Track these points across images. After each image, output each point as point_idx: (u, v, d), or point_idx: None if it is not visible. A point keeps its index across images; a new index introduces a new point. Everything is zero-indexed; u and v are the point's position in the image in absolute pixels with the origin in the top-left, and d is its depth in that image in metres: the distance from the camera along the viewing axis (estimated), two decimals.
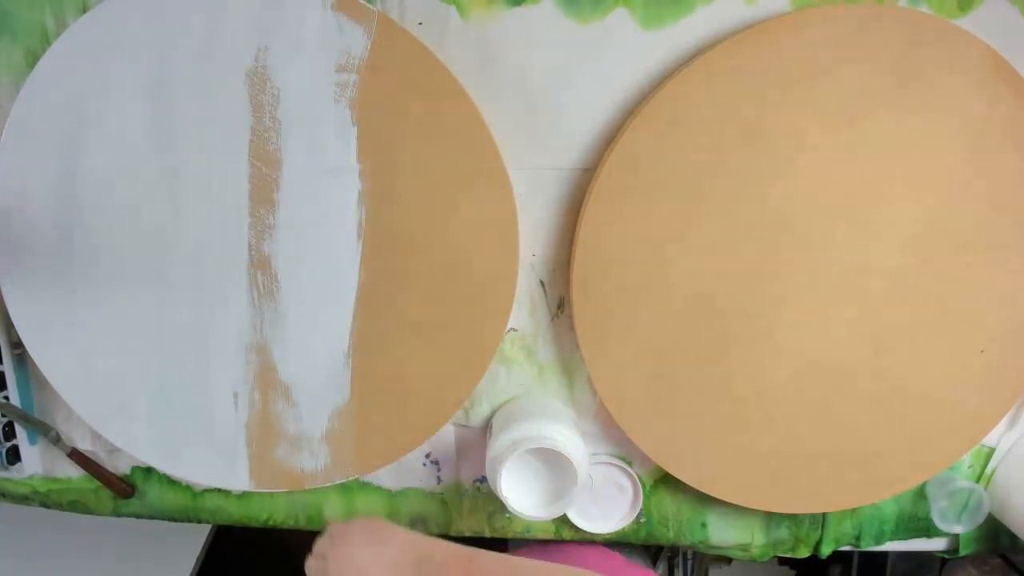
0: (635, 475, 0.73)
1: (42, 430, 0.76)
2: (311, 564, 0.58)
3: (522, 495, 0.66)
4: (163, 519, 0.81)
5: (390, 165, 0.63)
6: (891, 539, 0.77)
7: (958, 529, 0.72)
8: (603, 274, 0.64)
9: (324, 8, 0.59)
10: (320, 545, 0.58)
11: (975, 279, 0.63)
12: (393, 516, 0.78)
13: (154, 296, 0.67)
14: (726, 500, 0.71)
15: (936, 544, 0.78)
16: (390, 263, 0.65)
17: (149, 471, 0.78)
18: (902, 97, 0.59)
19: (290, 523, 0.79)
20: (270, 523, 0.79)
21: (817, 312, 0.64)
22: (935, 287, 0.63)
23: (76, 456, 0.77)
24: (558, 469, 0.65)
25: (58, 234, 0.65)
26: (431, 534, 0.78)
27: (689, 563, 1.09)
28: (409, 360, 0.68)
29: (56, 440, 0.76)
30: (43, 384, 0.72)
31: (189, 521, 0.81)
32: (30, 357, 0.70)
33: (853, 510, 0.75)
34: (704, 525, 0.77)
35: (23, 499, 0.81)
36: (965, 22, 0.59)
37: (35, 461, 0.78)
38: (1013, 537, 0.74)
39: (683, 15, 0.60)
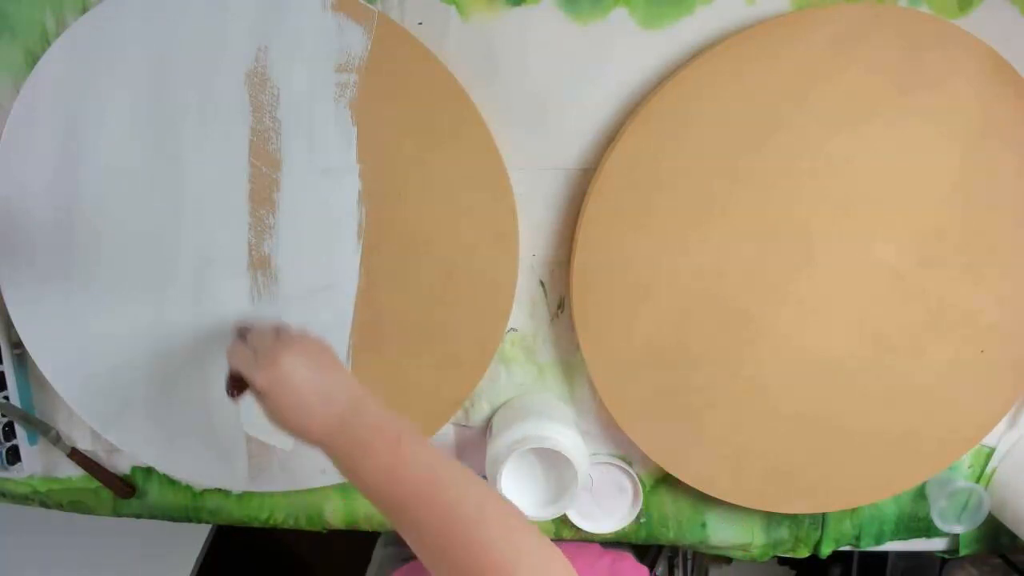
0: (635, 475, 0.73)
1: (42, 430, 0.75)
2: (236, 349, 0.54)
3: (522, 495, 0.66)
4: (163, 519, 0.81)
5: (390, 165, 0.63)
6: (891, 539, 0.77)
7: (958, 529, 0.72)
8: (603, 274, 0.64)
9: (324, 8, 0.59)
10: (258, 338, 0.55)
11: (975, 279, 0.63)
12: None
13: (154, 296, 0.67)
14: (726, 500, 0.71)
15: (936, 544, 0.78)
16: (390, 263, 0.65)
17: (149, 471, 0.78)
18: (902, 97, 0.59)
19: (290, 523, 0.79)
20: (270, 523, 0.79)
21: (817, 312, 0.64)
22: (935, 287, 0.63)
23: (76, 456, 0.76)
24: (558, 469, 0.65)
25: (58, 234, 0.65)
26: None
27: (689, 563, 1.09)
28: (409, 360, 0.68)
29: (56, 440, 0.76)
30: (43, 384, 0.72)
31: (189, 521, 0.81)
32: (30, 357, 0.70)
33: (853, 510, 0.75)
34: (704, 525, 0.77)
35: (23, 499, 0.81)
36: (965, 22, 0.59)
37: (35, 461, 0.78)
38: (1013, 537, 0.74)
39: (683, 15, 0.60)
